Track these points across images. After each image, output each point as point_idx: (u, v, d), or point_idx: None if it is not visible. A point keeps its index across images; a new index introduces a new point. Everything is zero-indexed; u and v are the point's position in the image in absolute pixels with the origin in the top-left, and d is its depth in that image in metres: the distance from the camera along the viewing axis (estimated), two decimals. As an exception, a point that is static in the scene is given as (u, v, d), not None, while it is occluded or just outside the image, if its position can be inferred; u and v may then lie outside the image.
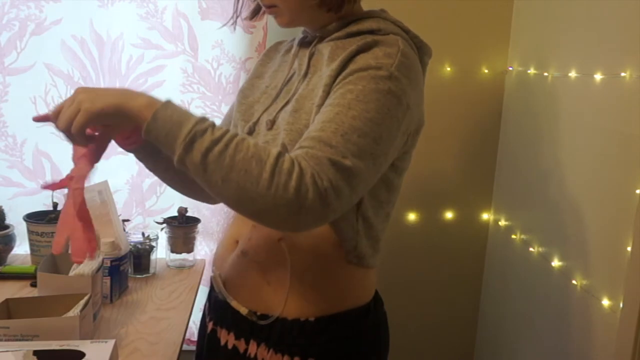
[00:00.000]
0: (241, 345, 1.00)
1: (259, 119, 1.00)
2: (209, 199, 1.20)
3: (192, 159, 0.78)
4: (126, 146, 0.99)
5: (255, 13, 1.07)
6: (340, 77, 0.89)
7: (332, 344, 0.97)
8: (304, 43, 1.03)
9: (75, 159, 0.89)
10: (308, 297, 0.96)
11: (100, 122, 0.84)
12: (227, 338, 1.02)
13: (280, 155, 0.78)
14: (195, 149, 0.77)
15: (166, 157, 1.02)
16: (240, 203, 0.79)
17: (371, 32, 0.94)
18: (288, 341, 0.96)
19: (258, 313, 0.98)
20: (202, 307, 1.17)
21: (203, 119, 0.79)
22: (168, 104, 0.81)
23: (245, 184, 0.77)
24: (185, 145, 0.77)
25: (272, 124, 0.96)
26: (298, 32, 1.07)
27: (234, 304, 0.99)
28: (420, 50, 0.98)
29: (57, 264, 1.22)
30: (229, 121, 1.12)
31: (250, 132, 0.99)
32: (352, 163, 0.81)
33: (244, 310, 0.98)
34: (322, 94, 0.90)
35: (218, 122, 1.52)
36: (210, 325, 1.06)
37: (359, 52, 0.90)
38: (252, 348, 0.99)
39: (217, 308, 1.05)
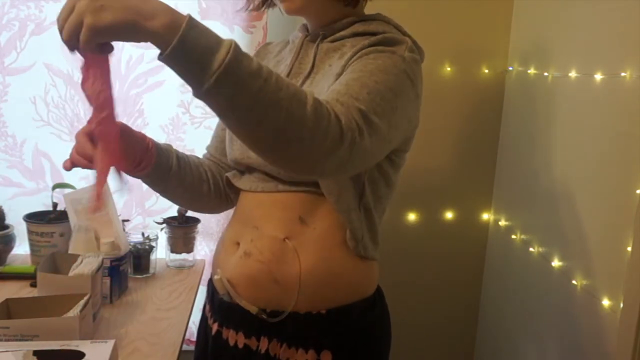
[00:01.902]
0: (253, 344, 1.01)
1: None
2: (214, 210, 1.22)
3: (225, 93, 0.68)
4: (136, 172, 0.99)
5: (262, 4, 1.07)
6: (356, 56, 0.90)
7: (344, 335, 0.99)
8: (307, 42, 1.03)
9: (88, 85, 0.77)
10: (318, 291, 0.98)
11: (108, 40, 0.71)
12: (235, 338, 1.03)
13: (317, 98, 0.74)
14: (231, 82, 0.67)
15: (175, 177, 1.05)
16: (275, 145, 0.73)
17: (375, 34, 0.96)
18: (301, 334, 0.97)
19: (268, 310, 0.99)
20: (202, 308, 1.17)
21: (235, 45, 0.68)
22: (192, 23, 0.67)
23: (285, 124, 0.70)
24: (218, 76, 0.66)
25: None
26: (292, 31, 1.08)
27: (243, 303, 1.00)
28: (417, 54, 0.99)
29: (57, 264, 1.22)
30: (221, 137, 1.14)
31: None
32: (375, 120, 0.81)
33: (254, 310, 0.99)
34: (334, 81, 0.91)
35: (216, 122, 1.52)
36: (215, 327, 1.07)
37: (370, 45, 0.92)
38: (264, 344, 1.00)
39: (221, 309, 1.06)
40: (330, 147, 0.74)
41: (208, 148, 1.21)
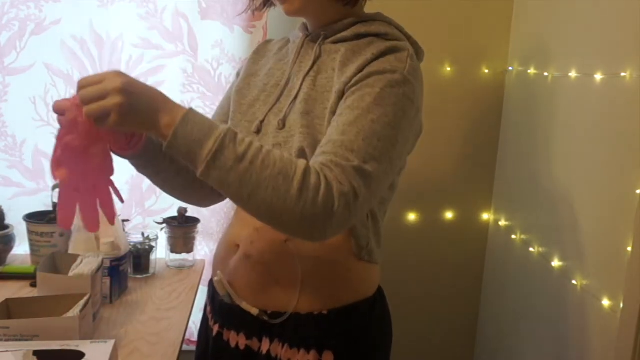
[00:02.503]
0: (254, 344, 1.01)
1: (265, 118, 0.99)
2: (205, 201, 1.17)
3: (215, 176, 0.78)
4: (130, 147, 0.94)
5: (264, 4, 1.07)
6: (356, 79, 0.90)
7: (345, 335, 0.99)
8: (308, 41, 1.02)
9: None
10: (319, 292, 0.98)
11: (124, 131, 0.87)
12: (237, 339, 1.03)
13: (307, 169, 0.79)
14: (218, 167, 0.78)
15: (167, 156, 1.00)
16: (267, 218, 0.82)
17: (377, 35, 0.95)
18: (303, 335, 0.97)
19: (269, 312, 0.99)
20: (202, 308, 1.17)
21: (224, 134, 0.78)
22: (188, 118, 0.79)
23: (272, 200, 0.78)
24: (207, 163, 0.78)
25: (283, 123, 0.96)
26: (292, 31, 1.08)
27: (244, 305, 1.00)
28: (417, 55, 0.99)
29: (57, 264, 1.22)
30: (224, 118, 1.11)
31: (258, 131, 0.99)
32: (372, 168, 0.84)
33: (255, 311, 0.99)
34: (335, 99, 0.91)
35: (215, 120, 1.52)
36: (215, 328, 1.07)
37: (373, 60, 0.92)
38: (265, 345, 1.00)
39: (222, 311, 1.06)
40: (324, 216, 0.79)
41: None
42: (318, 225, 0.80)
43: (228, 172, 0.77)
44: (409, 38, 0.99)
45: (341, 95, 0.91)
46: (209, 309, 1.12)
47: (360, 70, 0.91)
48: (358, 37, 0.97)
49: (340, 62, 0.94)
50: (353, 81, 0.90)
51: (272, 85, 1.03)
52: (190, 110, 0.80)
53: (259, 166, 0.78)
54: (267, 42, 1.17)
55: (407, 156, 1.02)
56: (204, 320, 1.15)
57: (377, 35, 0.96)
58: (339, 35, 0.98)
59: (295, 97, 0.97)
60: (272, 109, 0.99)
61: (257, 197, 0.78)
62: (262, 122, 0.99)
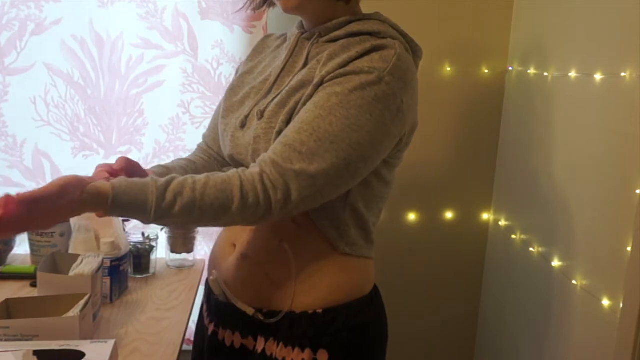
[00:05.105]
0: (249, 343, 1.02)
1: (250, 112, 1.00)
2: None
3: (165, 224, 1.04)
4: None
5: (263, 3, 1.07)
6: (332, 75, 0.91)
7: (340, 334, 0.98)
8: (302, 40, 1.03)
9: None
10: (314, 290, 0.98)
11: None
12: (232, 338, 1.03)
13: (242, 190, 0.85)
14: (166, 219, 0.85)
15: None
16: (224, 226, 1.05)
17: (371, 34, 0.95)
18: (297, 334, 0.97)
19: (264, 311, 0.99)
20: (200, 308, 1.17)
21: (159, 192, 0.82)
22: (115, 203, 0.82)
23: (220, 223, 0.95)
24: (155, 219, 0.84)
25: (261, 114, 0.97)
26: (291, 29, 1.08)
27: (239, 305, 1.00)
28: (415, 53, 0.99)
29: (57, 264, 1.22)
30: (217, 122, 1.13)
31: (242, 125, 1.00)
32: (317, 169, 0.86)
33: (250, 311, 0.99)
34: (312, 90, 0.92)
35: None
36: (211, 327, 1.07)
37: (356, 58, 0.91)
38: (260, 344, 1.00)
39: (218, 310, 1.06)
40: (265, 217, 0.88)
41: (205, 137, 1.18)
42: (260, 221, 0.90)
43: (177, 220, 0.87)
44: (405, 36, 0.98)
45: (318, 87, 0.91)
46: (205, 307, 1.13)
47: (341, 66, 0.91)
48: (351, 35, 0.96)
49: (327, 56, 0.94)
50: (329, 76, 0.91)
51: (262, 82, 1.04)
52: (114, 189, 0.82)
53: (197, 213, 0.84)
54: (266, 38, 1.18)
55: (401, 153, 1.01)
56: (200, 318, 1.15)
57: (370, 34, 0.95)
58: (332, 35, 0.98)
59: (280, 92, 0.97)
60: (257, 104, 1.00)
61: (208, 224, 1.01)
62: (247, 117, 1.00)
